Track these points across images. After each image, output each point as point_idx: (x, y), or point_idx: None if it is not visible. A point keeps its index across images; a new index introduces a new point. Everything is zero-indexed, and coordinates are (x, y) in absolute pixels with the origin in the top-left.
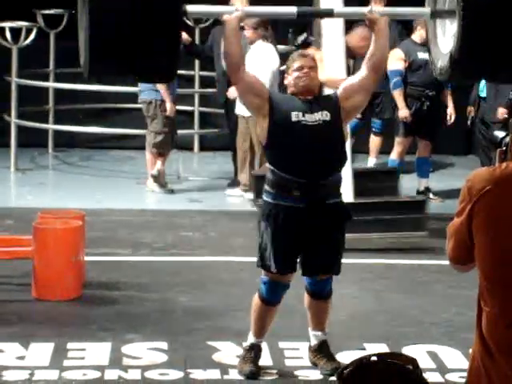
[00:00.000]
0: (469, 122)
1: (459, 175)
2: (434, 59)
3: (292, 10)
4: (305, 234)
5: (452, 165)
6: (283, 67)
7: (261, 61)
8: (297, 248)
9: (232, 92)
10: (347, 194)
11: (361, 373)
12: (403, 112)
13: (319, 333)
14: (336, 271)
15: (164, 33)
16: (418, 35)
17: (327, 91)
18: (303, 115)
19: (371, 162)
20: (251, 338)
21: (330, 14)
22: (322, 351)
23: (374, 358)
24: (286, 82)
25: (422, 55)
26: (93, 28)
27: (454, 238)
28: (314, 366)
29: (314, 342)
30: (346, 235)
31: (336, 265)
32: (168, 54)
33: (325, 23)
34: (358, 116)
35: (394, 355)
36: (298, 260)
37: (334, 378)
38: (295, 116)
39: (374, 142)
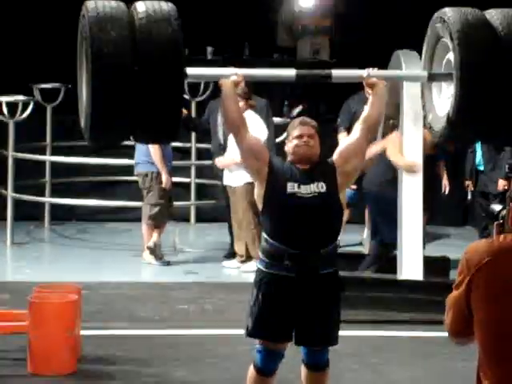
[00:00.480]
0: (469, 196)
1: (455, 246)
2: (430, 122)
3: (291, 72)
4: (297, 303)
5: (448, 235)
6: (280, 138)
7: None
8: (290, 317)
9: (219, 162)
10: (417, 272)
11: None
12: None
13: None
14: (332, 342)
15: (166, 94)
16: None
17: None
18: (299, 187)
19: (367, 233)
20: None
21: (328, 77)
22: None
23: None
24: (286, 148)
25: None
26: (94, 89)
27: (453, 311)
28: None
29: None
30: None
31: (331, 336)
32: (170, 114)
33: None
34: (353, 186)
35: None
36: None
37: None
38: (290, 187)
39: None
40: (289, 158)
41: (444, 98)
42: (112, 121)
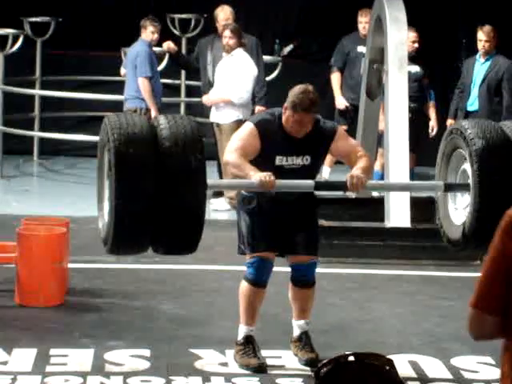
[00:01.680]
0: None
1: None
2: (445, 230)
3: (310, 183)
4: (280, 218)
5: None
6: (271, 77)
7: (241, 68)
8: (275, 230)
9: (207, 99)
10: (404, 219)
11: (338, 372)
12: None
13: (302, 322)
14: (313, 252)
15: (188, 206)
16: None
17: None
18: (286, 159)
19: (326, 171)
20: (243, 330)
21: (342, 186)
22: (302, 341)
23: (351, 358)
24: (283, 110)
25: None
26: (118, 204)
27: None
28: (296, 357)
29: (296, 332)
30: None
31: (312, 246)
32: (192, 226)
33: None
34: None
35: (371, 355)
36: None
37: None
38: (279, 160)
39: None
40: (284, 122)
41: (460, 207)
42: (135, 234)
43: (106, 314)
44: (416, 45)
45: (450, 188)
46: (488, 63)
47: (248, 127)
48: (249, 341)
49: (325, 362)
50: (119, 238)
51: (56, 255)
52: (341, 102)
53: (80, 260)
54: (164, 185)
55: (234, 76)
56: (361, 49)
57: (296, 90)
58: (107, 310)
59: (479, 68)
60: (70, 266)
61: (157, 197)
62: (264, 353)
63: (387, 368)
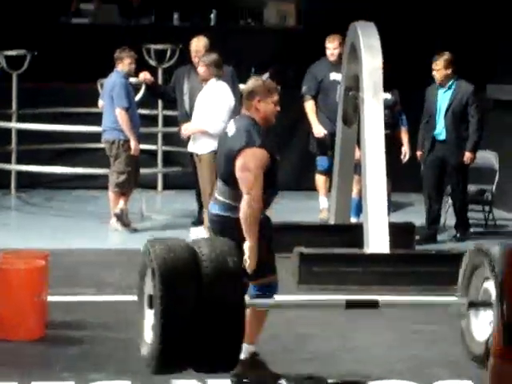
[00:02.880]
0: (422, 167)
1: (418, 212)
2: (468, 344)
3: (341, 300)
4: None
5: (411, 203)
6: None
7: (217, 98)
8: None
9: (185, 129)
10: (383, 244)
11: None
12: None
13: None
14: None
15: (228, 325)
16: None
17: None
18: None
19: (323, 201)
20: (249, 348)
21: (375, 304)
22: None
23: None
24: (262, 106)
25: None
26: (164, 326)
27: None
28: None
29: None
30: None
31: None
32: (232, 346)
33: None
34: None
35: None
36: None
37: None
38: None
39: (321, 180)
40: (260, 118)
41: (481, 323)
42: (179, 358)
43: (87, 346)
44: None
45: (473, 305)
46: (450, 91)
47: (263, 155)
48: (256, 355)
49: None
50: (164, 362)
51: (36, 289)
52: (319, 131)
53: (59, 293)
54: (205, 311)
55: (209, 106)
56: (334, 76)
57: (252, 83)
58: (88, 343)
59: (442, 96)
60: (50, 298)
61: (199, 324)
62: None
63: None
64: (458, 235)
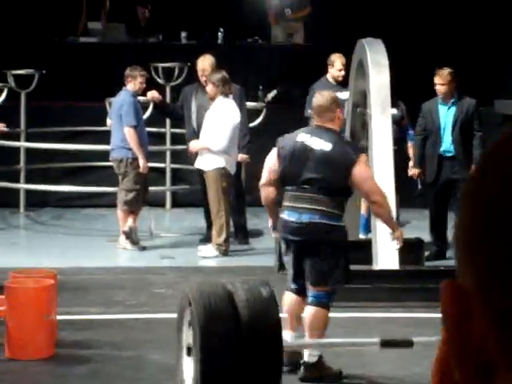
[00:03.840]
0: (419, 185)
1: (427, 228)
2: None
3: (375, 340)
4: None
5: (419, 219)
6: (254, 123)
7: (221, 116)
8: None
9: (192, 146)
10: (393, 262)
11: None
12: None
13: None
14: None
15: (267, 362)
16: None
17: None
18: None
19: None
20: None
21: (410, 343)
22: None
23: None
24: (339, 116)
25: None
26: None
27: None
28: None
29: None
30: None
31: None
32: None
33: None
34: None
35: None
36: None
37: None
38: None
39: None
40: (338, 128)
41: None
42: None
43: (96, 365)
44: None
45: None
46: (455, 106)
47: (367, 159)
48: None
49: None
50: None
51: (44, 308)
52: None
53: (68, 311)
54: (243, 359)
55: (214, 123)
56: (338, 95)
57: (328, 97)
58: (97, 362)
59: (446, 112)
60: (59, 317)
61: (238, 369)
62: None
63: None
64: None
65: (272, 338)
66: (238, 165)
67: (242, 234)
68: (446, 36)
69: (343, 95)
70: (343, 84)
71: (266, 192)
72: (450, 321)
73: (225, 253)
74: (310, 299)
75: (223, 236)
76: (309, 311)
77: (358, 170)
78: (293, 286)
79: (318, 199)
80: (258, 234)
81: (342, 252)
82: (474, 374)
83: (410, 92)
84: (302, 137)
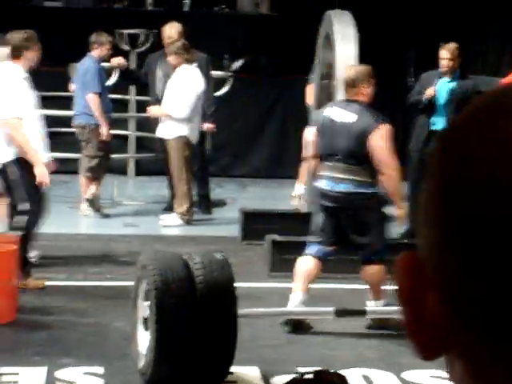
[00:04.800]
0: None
1: None
2: None
3: (330, 309)
4: None
5: None
6: (220, 92)
7: (185, 83)
8: None
9: (151, 111)
10: None
11: None
12: None
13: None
14: None
15: (221, 339)
16: None
17: None
18: None
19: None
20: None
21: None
22: None
23: (308, 376)
24: (364, 90)
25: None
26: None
27: None
28: None
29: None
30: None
31: None
32: (224, 354)
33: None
34: None
35: (324, 373)
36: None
37: None
38: None
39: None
40: (366, 101)
41: None
42: (173, 368)
43: (58, 331)
44: None
45: None
46: (454, 83)
47: (391, 130)
48: None
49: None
50: (159, 375)
51: (6, 273)
52: None
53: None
54: (199, 324)
55: (176, 91)
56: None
57: (354, 71)
58: (58, 328)
59: (443, 86)
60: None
61: (194, 333)
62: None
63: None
64: None
65: (227, 300)
66: (202, 134)
67: (205, 203)
68: (414, 12)
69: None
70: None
71: (311, 164)
72: (404, 293)
73: (188, 222)
74: (363, 260)
75: (185, 205)
76: (365, 270)
77: (375, 139)
78: (315, 250)
79: (350, 169)
80: (221, 203)
81: (378, 217)
82: (427, 346)
83: (382, 69)
84: (330, 110)
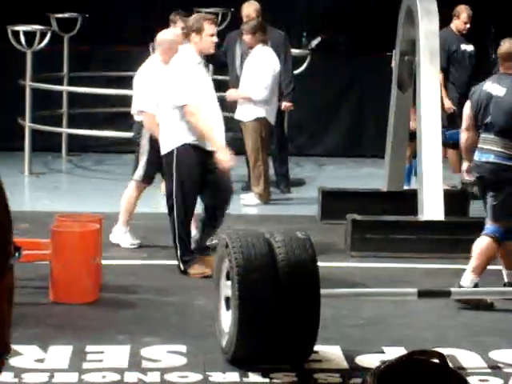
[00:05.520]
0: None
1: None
2: None
3: (413, 290)
4: None
5: None
6: (298, 70)
7: (261, 65)
8: None
9: (230, 94)
10: (438, 212)
11: (397, 370)
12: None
13: None
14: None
15: (304, 318)
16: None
17: None
18: None
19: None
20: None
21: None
22: None
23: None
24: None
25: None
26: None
27: None
28: None
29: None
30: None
31: None
32: (308, 333)
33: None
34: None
35: (419, 353)
36: None
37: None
38: None
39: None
40: None
41: None
42: (255, 347)
43: (141, 310)
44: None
45: None
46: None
47: None
48: None
49: (380, 364)
50: (242, 351)
51: (90, 252)
52: (449, 107)
53: (113, 256)
54: (281, 302)
55: (253, 72)
56: (464, 47)
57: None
58: (142, 307)
59: (465, 46)
60: (103, 262)
61: (276, 312)
62: None
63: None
64: None
65: (310, 278)
66: (281, 113)
67: (284, 183)
68: None
69: (468, 47)
70: (467, 36)
71: (464, 137)
72: None
73: (266, 201)
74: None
75: (262, 185)
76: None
77: None
78: (490, 230)
79: (498, 141)
80: (300, 183)
81: None
82: None
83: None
84: (486, 84)
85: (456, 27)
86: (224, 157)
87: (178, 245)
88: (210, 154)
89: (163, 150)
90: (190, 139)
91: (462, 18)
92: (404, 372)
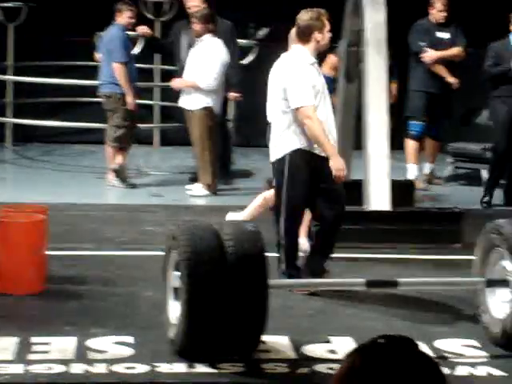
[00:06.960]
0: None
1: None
2: (486, 323)
3: (361, 280)
4: None
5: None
6: (245, 61)
7: (210, 55)
8: None
9: (175, 82)
10: (384, 203)
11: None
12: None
13: None
14: None
15: (251, 308)
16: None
17: None
18: None
19: (412, 168)
20: None
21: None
22: None
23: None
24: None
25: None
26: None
27: None
28: None
29: None
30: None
31: None
32: (255, 325)
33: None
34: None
35: (395, 337)
36: None
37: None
38: None
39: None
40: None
41: (499, 301)
42: (204, 339)
43: (87, 301)
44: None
45: (491, 284)
46: None
47: None
48: None
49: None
50: (189, 345)
51: (35, 243)
52: (454, 81)
53: (59, 247)
54: (230, 295)
55: (201, 62)
56: (440, 34)
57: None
58: (88, 298)
59: None
60: (49, 253)
61: (224, 303)
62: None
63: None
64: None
65: (258, 270)
66: (226, 104)
67: (226, 173)
68: None
69: (444, 35)
70: (445, 25)
71: None
72: None
73: (213, 192)
74: None
75: (209, 176)
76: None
77: None
78: None
79: None
80: (246, 174)
81: None
82: None
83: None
84: None
85: (433, 17)
86: (338, 164)
87: (282, 258)
88: (324, 160)
89: (273, 157)
90: (302, 144)
91: (437, 8)
92: (387, 351)
